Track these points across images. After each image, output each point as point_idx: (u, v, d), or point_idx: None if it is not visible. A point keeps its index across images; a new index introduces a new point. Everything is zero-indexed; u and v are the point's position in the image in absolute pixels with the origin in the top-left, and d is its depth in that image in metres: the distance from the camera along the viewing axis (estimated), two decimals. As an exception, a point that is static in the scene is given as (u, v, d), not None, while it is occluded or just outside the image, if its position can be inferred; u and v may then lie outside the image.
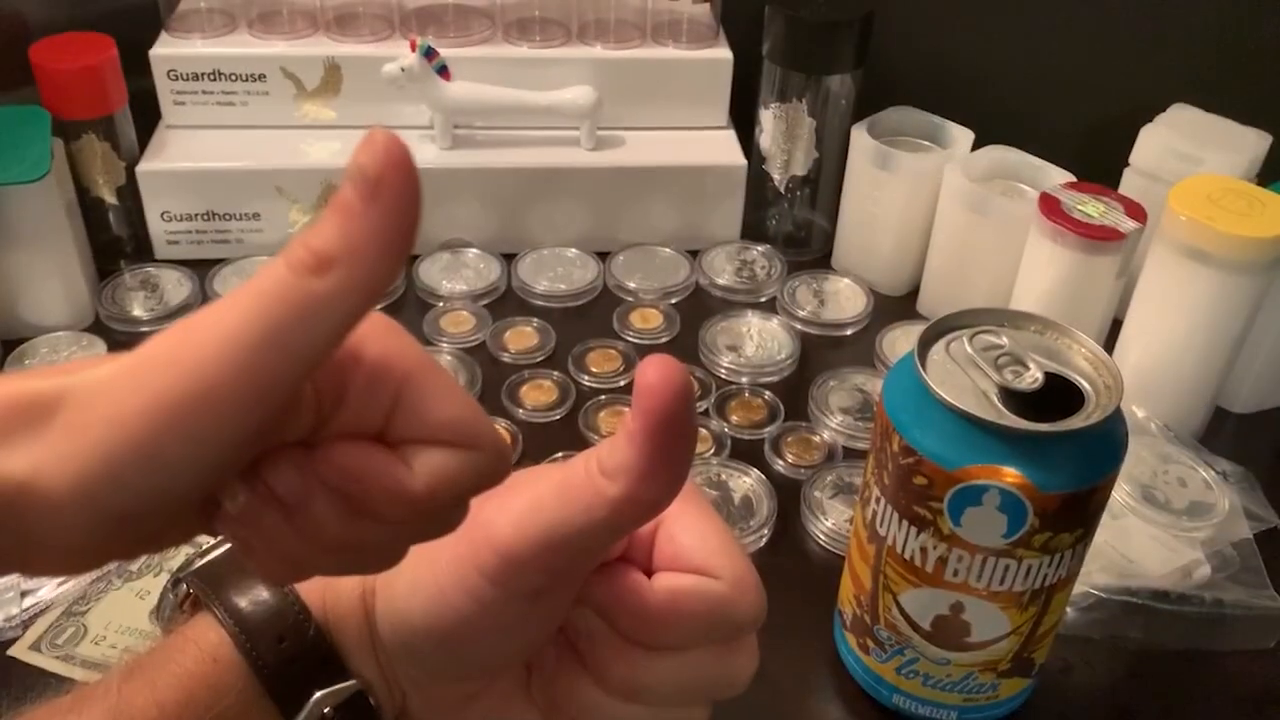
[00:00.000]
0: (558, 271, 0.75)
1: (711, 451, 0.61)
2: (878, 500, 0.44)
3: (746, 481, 0.59)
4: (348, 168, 0.23)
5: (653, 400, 0.28)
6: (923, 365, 0.42)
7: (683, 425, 0.28)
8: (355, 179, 0.23)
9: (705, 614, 0.32)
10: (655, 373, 0.28)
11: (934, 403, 0.40)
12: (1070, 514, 0.40)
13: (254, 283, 0.23)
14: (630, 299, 0.74)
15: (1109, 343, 0.66)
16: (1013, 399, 0.41)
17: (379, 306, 0.24)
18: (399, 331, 0.27)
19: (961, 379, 0.42)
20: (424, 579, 0.32)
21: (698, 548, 0.33)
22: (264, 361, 0.23)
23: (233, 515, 0.26)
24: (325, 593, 0.35)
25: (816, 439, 0.63)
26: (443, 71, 0.72)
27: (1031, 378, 0.41)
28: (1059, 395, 0.41)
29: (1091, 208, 0.63)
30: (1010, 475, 0.39)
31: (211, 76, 0.73)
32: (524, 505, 0.31)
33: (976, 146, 0.72)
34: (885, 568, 0.45)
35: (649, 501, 0.29)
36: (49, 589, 0.52)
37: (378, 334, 0.27)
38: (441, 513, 0.28)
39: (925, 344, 0.43)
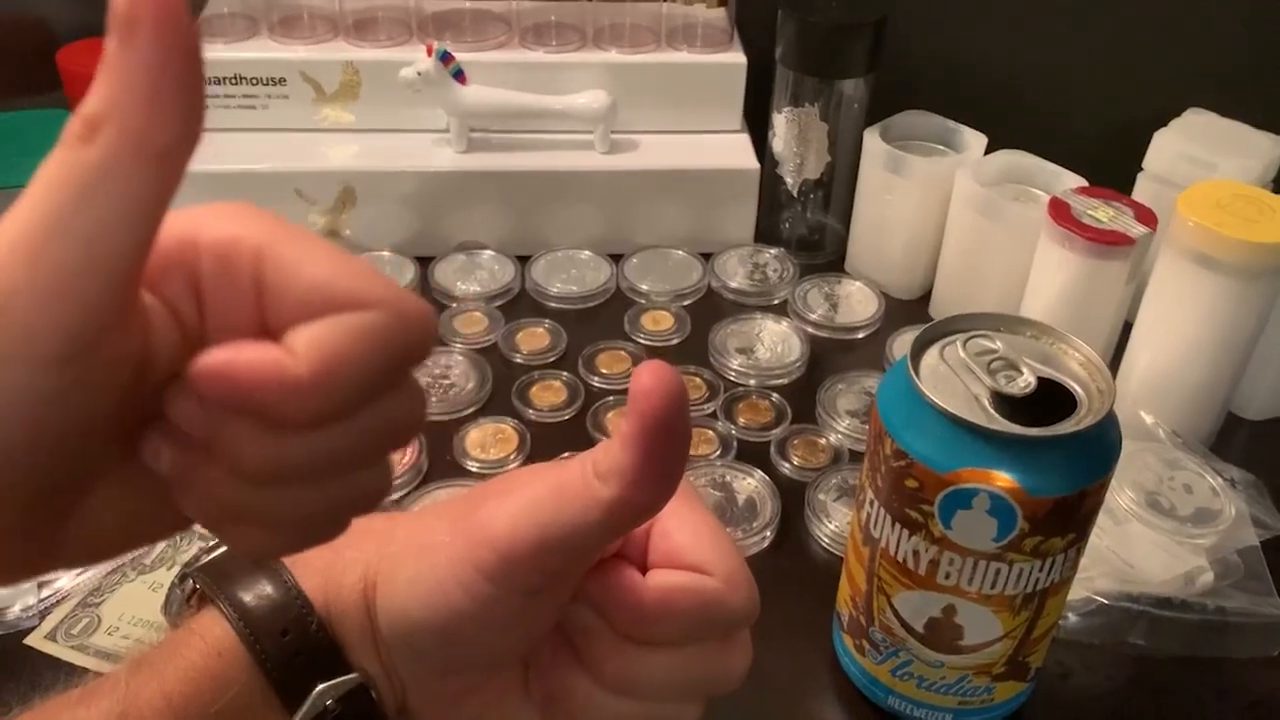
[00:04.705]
0: (571, 273, 0.76)
1: (717, 453, 0.62)
2: (871, 503, 0.44)
3: (750, 482, 0.59)
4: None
5: (647, 404, 0.28)
6: (915, 370, 0.42)
7: (677, 430, 0.28)
8: (110, 22, 0.20)
9: (698, 610, 0.33)
10: (650, 377, 0.28)
11: (926, 406, 0.41)
12: (1061, 519, 0.41)
13: (40, 169, 0.21)
14: (642, 301, 0.74)
15: (1119, 347, 0.66)
16: (1005, 403, 0.41)
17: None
18: (244, 210, 0.24)
19: (954, 383, 0.42)
20: (423, 575, 0.33)
21: (691, 545, 0.33)
22: (52, 255, 0.20)
23: (170, 475, 0.24)
24: (328, 587, 0.36)
25: (823, 441, 0.63)
26: (459, 76, 0.73)
27: (1024, 382, 0.42)
28: (1052, 400, 0.42)
29: (1101, 213, 0.63)
30: (1000, 479, 0.40)
31: (233, 80, 0.75)
32: (521, 505, 0.31)
33: (989, 151, 0.72)
34: (879, 570, 0.45)
35: (642, 504, 0.30)
36: (66, 580, 0.53)
37: (216, 216, 0.24)
38: (362, 402, 0.24)
39: (919, 348, 0.43)
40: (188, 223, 0.24)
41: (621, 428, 0.29)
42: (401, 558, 0.34)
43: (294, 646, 0.35)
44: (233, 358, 0.22)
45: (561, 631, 0.35)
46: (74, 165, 0.20)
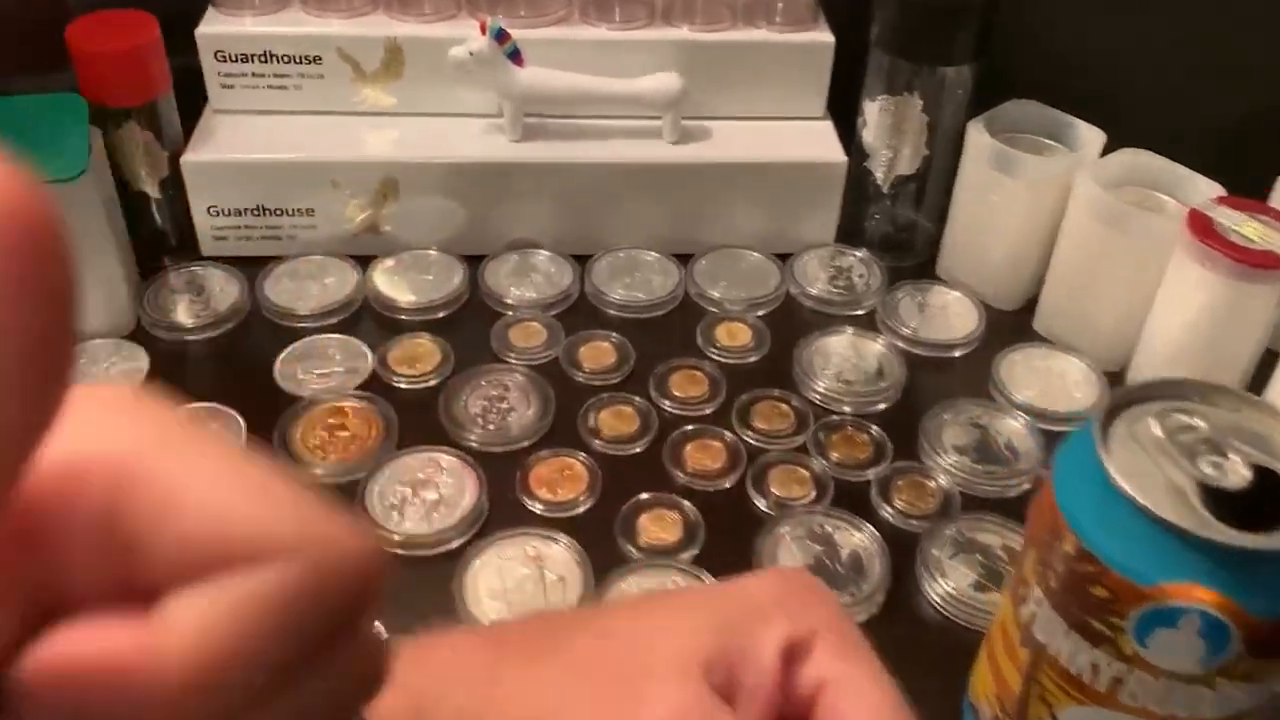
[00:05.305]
0: (635, 277, 0.69)
1: (812, 496, 0.55)
2: (1039, 602, 0.38)
3: (856, 537, 0.52)
4: None
5: None
6: (1106, 453, 0.35)
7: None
8: None
9: None
10: None
11: (1122, 502, 0.34)
12: (1282, 640, 0.34)
13: None
14: (714, 310, 0.67)
15: (1259, 379, 0.59)
16: (1212, 497, 0.34)
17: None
18: (105, 408, 0.16)
19: (1151, 471, 0.35)
20: None
21: None
22: None
23: None
24: None
25: (931, 485, 0.56)
26: (515, 56, 0.65)
27: (1237, 474, 0.35)
28: (1261, 490, 0.35)
29: (1249, 228, 0.55)
30: (1213, 596, 0.33)
31: (262, 58, 0.67)
32: None
33: (1108, 149, 0.65)
34: (1042, 677, 0.38)
35: None
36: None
37: (61, 426, 0.16)
38: (280, 685, 0.17)
39: (1106, 423, 0.36)
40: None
41: None
42: None
43: None
44: (72, 654, 0.15)
45: None
46: None
